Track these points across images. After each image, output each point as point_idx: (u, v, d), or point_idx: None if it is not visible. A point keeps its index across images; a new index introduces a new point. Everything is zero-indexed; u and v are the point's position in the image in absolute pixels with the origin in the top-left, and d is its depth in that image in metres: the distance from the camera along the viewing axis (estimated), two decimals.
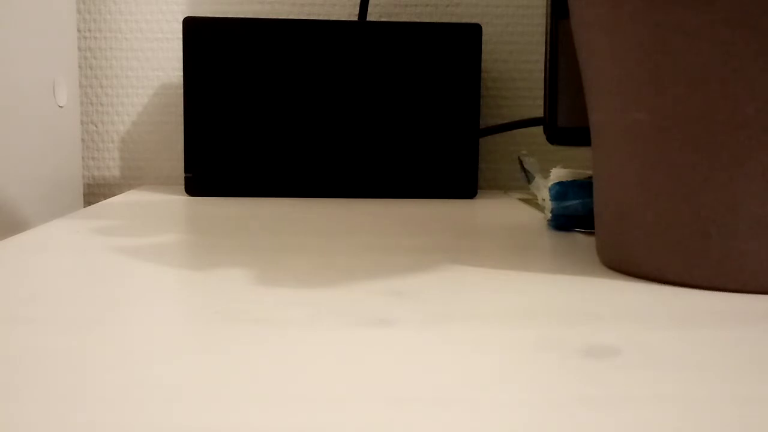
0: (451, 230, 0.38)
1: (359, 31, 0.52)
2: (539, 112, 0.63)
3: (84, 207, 0.60)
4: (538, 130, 0.63)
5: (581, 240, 0.36)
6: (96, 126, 0.62)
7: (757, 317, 0.22)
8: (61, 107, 0.54)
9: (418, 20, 0.59)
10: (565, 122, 0.44)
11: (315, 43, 0.52)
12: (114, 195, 0.62)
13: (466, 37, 0.52)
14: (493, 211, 0.47)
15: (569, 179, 0.38)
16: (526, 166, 0.44)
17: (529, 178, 0.43)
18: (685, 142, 0.25)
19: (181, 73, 0.61)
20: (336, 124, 0.52)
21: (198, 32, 0.51)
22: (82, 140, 0.62)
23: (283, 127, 0.52)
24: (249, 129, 0.52)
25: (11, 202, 0.46)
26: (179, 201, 0.49)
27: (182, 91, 0.62)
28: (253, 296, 0.24)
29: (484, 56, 0.62)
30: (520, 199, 0.54)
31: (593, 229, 0.38)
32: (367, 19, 0.60)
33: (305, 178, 0.52)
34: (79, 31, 0.61)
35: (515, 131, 0.62)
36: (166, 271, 0.27)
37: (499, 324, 0.21)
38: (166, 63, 0.61)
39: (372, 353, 0.18)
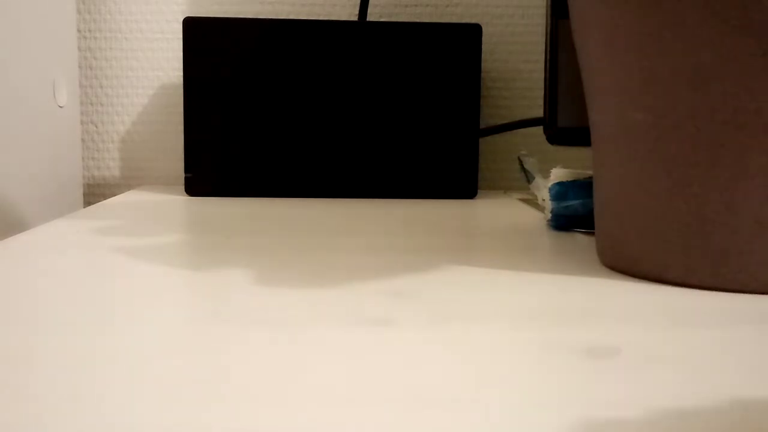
0: (451, 230, 0.38)
1: (359, 31, 0.52)
2: (539, 112, 0.62)
3: (84, 207, 0.60)
4: (538, 130, 0.63)
5: (581, 240, 0.36)
6: (96, 126, 0.62)
7: (757, 317, 0.22)
8: (61, 107, 0.54)
9: (418, 20, 0.59)
10: (565, 122, 0.44)
11: (315, 43, 0.52)
12: (114, 195, 0.62)
13: (466, 37, 0.52)
14: (493, 211, 0.47)
15: (569, 179, 0.38)
16: (526, 166, 0.44)
17: (529, 178, 0.43)
18: (685, 142, 0.25)
19: (181, 73, 0.61)
20: (336, 125, 0.52)
21: (198, 32, 0.51)
22: (82, 140, 0.62)
23: (283, 127, 0.52)
24: (249, 129, 0.52)
25: (11, 202, 0.46)
26: (179, 201, 0.49)
27: (182, 91, 0.61)
28: (253, 296, 0.24)
29: (484, 56, 0.62)
30: (520, 199, 0.54)
31: (593, 229, 0.38)
32: (367, 19, 0.60)
33: (305, 178, 0.52)
34: (79, 31, 0.61)
35: (515, 131, 0.62)
36: (166, 271, 0.27)
37: (499, 324, 0.21)
38: (166, 63, 0.61)
39: (372, 353, 0.18)
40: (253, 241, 0.34)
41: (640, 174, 0.27)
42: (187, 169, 0.52)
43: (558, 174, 0.39)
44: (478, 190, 0.61)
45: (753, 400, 0.16)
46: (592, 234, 0.38)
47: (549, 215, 0.39)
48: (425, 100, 0.52)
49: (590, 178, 0.39)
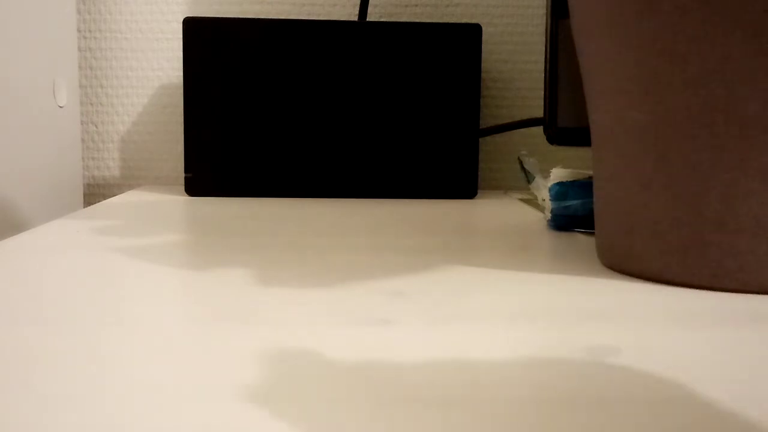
0: (451, 230, 0.39)
1: (359, 31, 0.52)
2: (539, 112, 0.62)
3: (84, 207, 0.60)
4: (538, 130, 0.63)
5: (581, 240, 0.36)
6: (96, 126, 0.62)
7: (757, 317, 0.22)
8: (61, 107, 0.54)
9: (418, 20, 0.59)
10: (565, 122, 0.44)
11: (315, 43, 0.52)
12: (114, 195, 0.62)
13: (466, 37, 0.52)
14: (493, 211, 0.47)
15: (569, 179, 0.38)
16: (526, 166, 0.44)
17: (529, 178, 0.43)
18: (685, 142, 0.25)
19: (181, 73, 0.61)
20: (336, 125, 0.52)
21: (198, 32, 0.51)
22: (82, 140, 0.62)
23: (283, 127, 0.52)
24: (249, 129, 0.52)
25: (11, 202, 0.46)
26: (179, 201, 0.49)
27: (182, 91, 0.61)
28: (253, 296, 0.24)
29: (484, 56, 0.62)
30: (520, 199, 0.54)
31: (593, 229, 0.38)
32: (367, 19, 0.60)
33: (305, 178, 0.52)
34: (79, 31, 0.61)
35: (515, 131, 0.62)
36: (166, 271, 0.27)
37: (499, 324, 0.21)
38: (166, 63, 0.61)
39: (372, 353, 0.18)
40: (253, 241, 0.34)
41: (641, 174, 0.27)
42: (187, 169, 0.52)
43: (558, 174, 0.39)
44: (478, 190, 0.61)
45: (753, 401, 0.16)
46: (592, 234, 0.38)
47: (549, 215, 0.39)
48: (425, 100, 0.52)
49: (590, 178, 0.39)
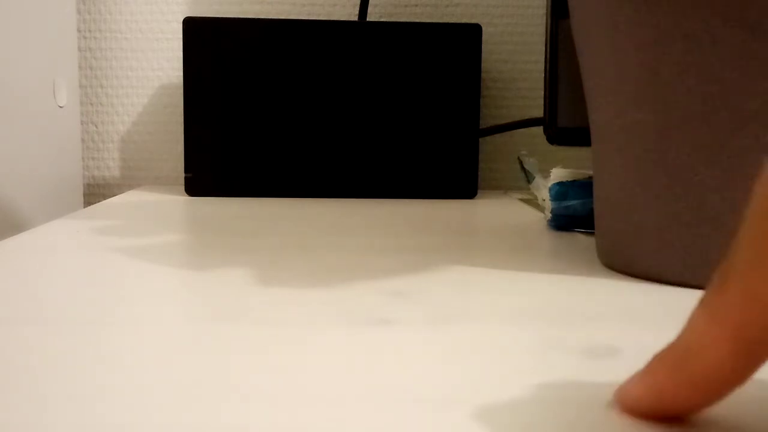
0: (451, 230, 0.39)
1: (359, 31, 0.52)
2: (539, 112, 0.62)
3: (84, 207, 0.60)
4: (538, 130, 0.63)
5: (581, 240, 0.36)
6: (96, 126, 0.62)
7: None
8: (61, 107, 0.54)
9: (417, 20, 0.59)
10: (565, 122, 0.44)
11: (315, 43, 0.52)
12: (114, 195, 0.62)
13: (466, 37, 0.52)
14: (493, 211, 0.47)
15: (569, 179, 0.38)
16: (526, 166, 0.44)
17: (529, 178, 0.43)
18: (684, 142, 0.25)
19: (181, 73, 0.61)
20: (336, 124, 0.52)
21: (198, 32, 0.51)
22: (82, 140, 0.62)
23: (283, 127, 0.52)
24: (249, 129, 0.52)
25: (11, 202, 0.46)
26: (179, 201, 0.49)
27: (182, 91, 0.61)
28: (253, 296, 0.24)
29: (484, 56, 0.62)
30: (520, 199, 0.54)
31: (593, 229, 0.38)
32: (367, 19, 0.60)
33: (305, 178, 0.52)
34: (79, 31, 0.61)
35: (515, 131, 0.62)
36: (166, 271, 0.27)
37: (499, 324, 0.21)
38: (166, 63, 0.61)
39: (372, 353, 0.18)
40: (253, 241, 0.34)
41: (640, 174, 0.27)
42: (187, 169, 0.52)
43: (558, 174, 0.39)
44: (478, 190, 0.61)
45: (752, 400, 0.16)
46: (592, 234, 0.38)
47: (549, 215, 0.39)
48: (425, 100, 0.52)
49: (590, 178, 0.39)
